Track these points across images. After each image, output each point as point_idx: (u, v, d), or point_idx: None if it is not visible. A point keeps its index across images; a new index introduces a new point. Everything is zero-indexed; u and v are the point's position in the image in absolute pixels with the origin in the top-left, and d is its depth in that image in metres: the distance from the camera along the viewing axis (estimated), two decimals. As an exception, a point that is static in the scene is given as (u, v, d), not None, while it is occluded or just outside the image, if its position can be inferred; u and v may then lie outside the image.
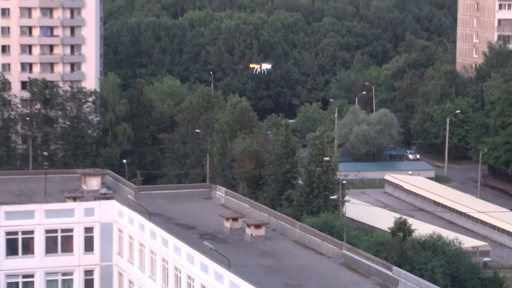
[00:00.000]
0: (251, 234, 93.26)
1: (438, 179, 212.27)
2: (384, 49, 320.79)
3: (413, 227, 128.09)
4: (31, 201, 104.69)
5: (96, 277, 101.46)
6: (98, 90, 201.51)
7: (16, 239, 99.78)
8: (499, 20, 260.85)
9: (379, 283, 79.63)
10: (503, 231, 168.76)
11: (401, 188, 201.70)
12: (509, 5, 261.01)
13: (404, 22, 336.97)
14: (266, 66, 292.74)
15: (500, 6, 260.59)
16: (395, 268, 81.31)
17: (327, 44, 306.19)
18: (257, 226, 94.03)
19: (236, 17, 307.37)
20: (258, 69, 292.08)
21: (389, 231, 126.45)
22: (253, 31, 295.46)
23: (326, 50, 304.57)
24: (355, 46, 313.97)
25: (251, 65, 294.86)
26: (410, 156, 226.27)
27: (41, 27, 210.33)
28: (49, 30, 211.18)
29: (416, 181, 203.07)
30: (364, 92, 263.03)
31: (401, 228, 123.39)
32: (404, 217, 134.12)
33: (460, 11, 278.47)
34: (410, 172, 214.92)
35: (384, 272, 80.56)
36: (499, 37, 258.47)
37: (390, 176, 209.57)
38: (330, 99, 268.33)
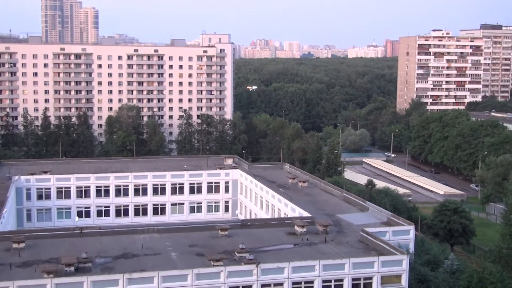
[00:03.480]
0: (301, 186, 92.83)
1: (387, 161, 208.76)
2: (362, 101, 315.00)
3: (375, 183, 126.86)
4: (201, 169, 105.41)
5: (229, 204, 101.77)
6: (231, 119, 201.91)
7: (194, 187, 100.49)
8: (417, 88, 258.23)
9: (360, 208, 78.81)
10: (417, 186, 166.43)
11: (370, 165, 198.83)
12: (422, 81, 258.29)
13: (373, 88, 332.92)
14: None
15: (417, 81, 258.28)
16: (367, 202, 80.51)
17: (336, 99, 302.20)
18: (304, 182, 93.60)
19: (295, 86, 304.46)
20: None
21: (364, 185, 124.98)
22: (302, 92, 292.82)
23: (336, 101, 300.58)
24: (349, 99, 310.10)
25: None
26: (390, 155, 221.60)
27: (208, 90, 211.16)
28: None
29: (377, 162, 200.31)
30: (353, 121, 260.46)
31: (370, 183, 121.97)
32: (371, 178, 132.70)
33: (398, 84, 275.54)
34: (374, 158, 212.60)
35: (362, 203, 79.76)
36: (417, 96, 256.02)
37: (365, 160, 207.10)
38: (338, 124, 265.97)
